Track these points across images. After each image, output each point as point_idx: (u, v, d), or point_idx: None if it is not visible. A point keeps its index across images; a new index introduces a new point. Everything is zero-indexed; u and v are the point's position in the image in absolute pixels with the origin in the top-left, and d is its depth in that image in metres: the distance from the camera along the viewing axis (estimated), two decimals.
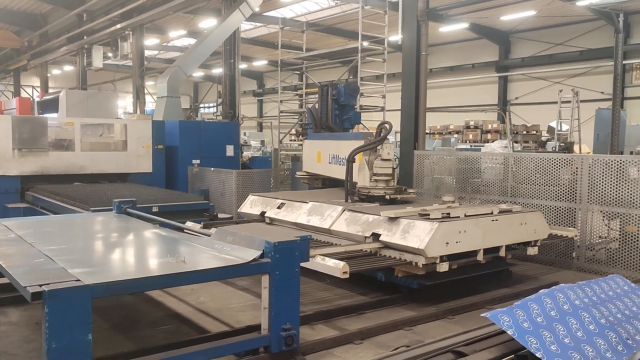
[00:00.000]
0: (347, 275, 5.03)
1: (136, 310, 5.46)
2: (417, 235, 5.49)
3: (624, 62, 18.67)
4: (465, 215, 5.88)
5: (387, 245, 5.78)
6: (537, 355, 2.94)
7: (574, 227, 7.22)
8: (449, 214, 5.84)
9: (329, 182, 8.79)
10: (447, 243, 5.52)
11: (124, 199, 6.70)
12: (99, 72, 22.65)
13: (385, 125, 7.20)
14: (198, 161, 11.90)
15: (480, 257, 5.88)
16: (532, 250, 6.47)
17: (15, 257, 4.23)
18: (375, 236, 5.86)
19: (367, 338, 4.79)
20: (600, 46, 20.66)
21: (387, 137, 7.17)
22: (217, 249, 4.43)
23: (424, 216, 5.76)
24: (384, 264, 5.67)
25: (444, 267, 5.52)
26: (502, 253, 6.14)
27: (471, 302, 5.75)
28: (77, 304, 3.27)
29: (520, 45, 24.34)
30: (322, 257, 5.23)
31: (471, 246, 5.78)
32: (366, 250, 5.87)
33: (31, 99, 17.80)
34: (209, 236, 4.89)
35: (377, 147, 7.13)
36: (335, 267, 5.03)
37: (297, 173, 9.37)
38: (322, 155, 8.42)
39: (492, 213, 6.11)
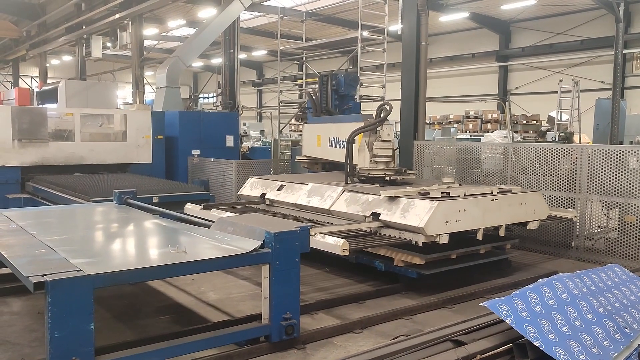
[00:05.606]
0: (347, 253, 5.02)
1: (137, 300, 5.48)
2: (417, 214, 5.49)
3: (624, 51, 18.55)
4: (465, 195, 5.89)
5: (387, 225, 5.78)
6: (535, 344, 2.96)
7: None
8: (448, 193, 5.86)
9: (328, 166, 8.80)
10: (447, 222, 5.51)
11: (125, 189, 6.71)
12: (98, 62, 22.58)
13: (386, 106, 7.14)
14: (198, 152, 11.90)
15: (479, 236, 5.90)
16: (532, 225, 6.45)
17: (17, 247, 4.25)
18: (375, 215, 5.87)
19: (367, 327, 4.81)
20: (601, 35, 20.58)
21: (387, 119, 7.15)
22: (218, 239, 4.45)
23: (424, 195, 5.78)
24: (383, 243, 5.68)
25: (444, 238, 5.49)
26: (502, 232, 6.16)
27: (470, 292, 5.77)
28: (79, 293, 3.30)
29: (521, 35, 24.25)
30: (322, 235, 5.23)
31: (471, 225, 5.78)
32: (366, 230, 5.87)
33: (30, 89, 17.76)
34: (209, 227, 4.91)
35: (377, 129, 7.11)
36: (335, 244, 5.02)
37: (297, 157, 9.37)
38: (322, 139, 8.42)
39: (491, 193, 6.12)
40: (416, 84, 9.43)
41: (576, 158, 7.35)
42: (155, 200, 7.36)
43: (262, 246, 4.13)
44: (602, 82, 20.49)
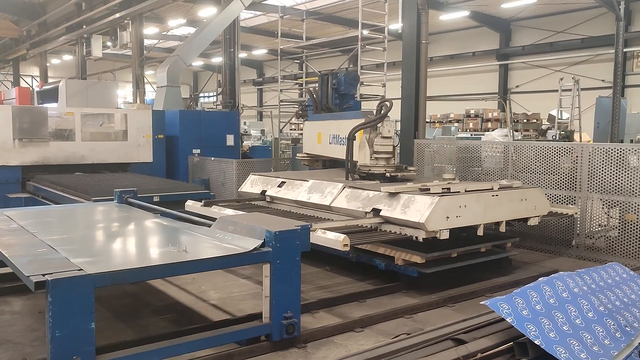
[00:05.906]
0: (347, 248, 5.03)
1: (138, 299, 5.49)
2: (417, 210, 5.50)
3: (624, 49, 18.48)
4: (466, 191, 5.90)
5: (388, 220, 5.79)
6: (535, 342, 2.97)
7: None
8: (449, 189, 5.87)
9: (329, 163, 8.82)
10: (448, 217, 5.52)
11: (125, 188, 6.72)
12: (99, 61, 22.56)
13: (386, 103, 7.14)
14: (198, 151, 11.91)
15: (480, 231, 5.91)
16: (533, 221, 6.46)
17: (17, 246, 4.26)
18: (376, 211, 5.87)
19: (368, 326, 4.82)
20: (601, 34, 20.56)
21: (388, 115, 7.15)
22: (219, 238, 4.46)
23: (425, 191, 5.79)
24: (384, 239, 5.68)
25: (445, 234, 5.50)
26: (503, 228, 6.17)
27: (471, 290, 5.77)
28: (80, 293, 3.30)
29: (521, 33, 24.23)
30: (323, 230, 5.23)
31: (471, 221, 5.78)
32: (366, 226, 5.88)
33: (31, 88, 17.79)
34: (210, 226, 4.91)
35: (378, 125, 7.11)
36: (336, 240, 5.02)
37: (298, 154, 9.39)
38: (322, 136, 8.43)
39: (492, 189, 6.13)
40: (416, 83, 9.43)
41: (577, 156, 7.35)
42: (155, 199, 7.37)
43: (262, 245, 4.13)
44: (603, 80, 20.48)
